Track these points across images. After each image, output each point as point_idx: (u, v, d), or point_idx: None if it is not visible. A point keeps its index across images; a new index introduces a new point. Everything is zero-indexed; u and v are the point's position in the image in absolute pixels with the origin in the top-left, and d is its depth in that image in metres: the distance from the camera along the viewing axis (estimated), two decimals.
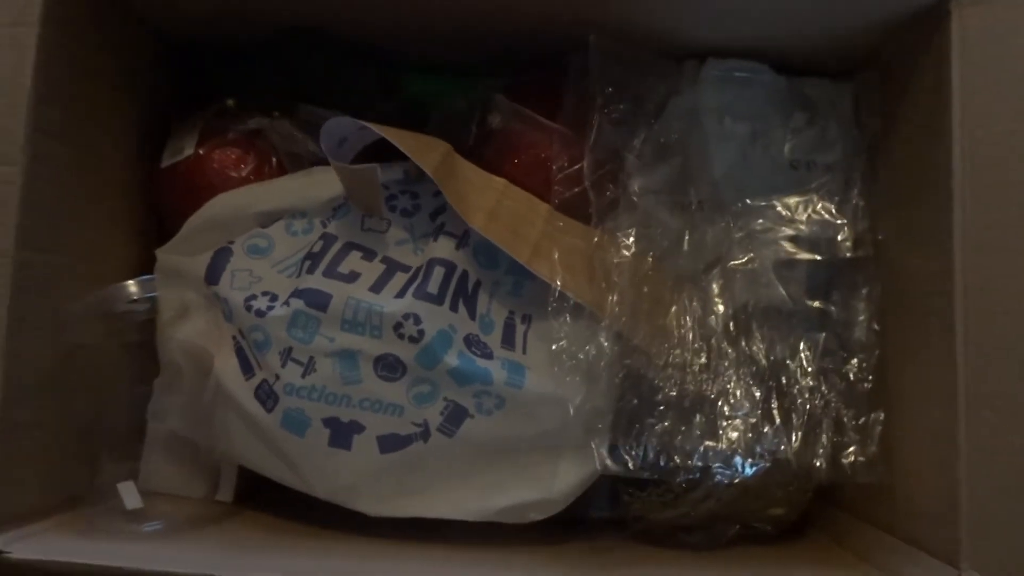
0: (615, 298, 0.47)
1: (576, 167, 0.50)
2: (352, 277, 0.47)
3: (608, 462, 0.46)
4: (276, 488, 0.53)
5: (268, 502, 0.52)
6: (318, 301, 0.46)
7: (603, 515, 0.56)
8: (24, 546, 0.40)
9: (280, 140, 0.53)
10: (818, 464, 0.47)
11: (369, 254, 0.48)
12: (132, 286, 0.46)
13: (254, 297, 0.47)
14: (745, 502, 0.50)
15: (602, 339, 0.47)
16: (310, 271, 0.47)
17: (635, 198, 0.48)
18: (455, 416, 0.46)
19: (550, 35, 0.51)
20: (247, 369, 0.47)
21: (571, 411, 0.46)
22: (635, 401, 0.47)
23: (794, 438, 0.47)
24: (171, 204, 0.53)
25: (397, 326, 0.45)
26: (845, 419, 0.48)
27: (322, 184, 0.51)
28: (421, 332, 0.45)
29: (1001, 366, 0.40)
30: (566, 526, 0.52)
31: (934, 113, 0.43)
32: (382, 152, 0.49)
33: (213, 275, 0.48)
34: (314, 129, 0.53)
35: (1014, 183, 0.40)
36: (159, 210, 0.54)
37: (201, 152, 0.52)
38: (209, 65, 0.57)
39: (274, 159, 0.53)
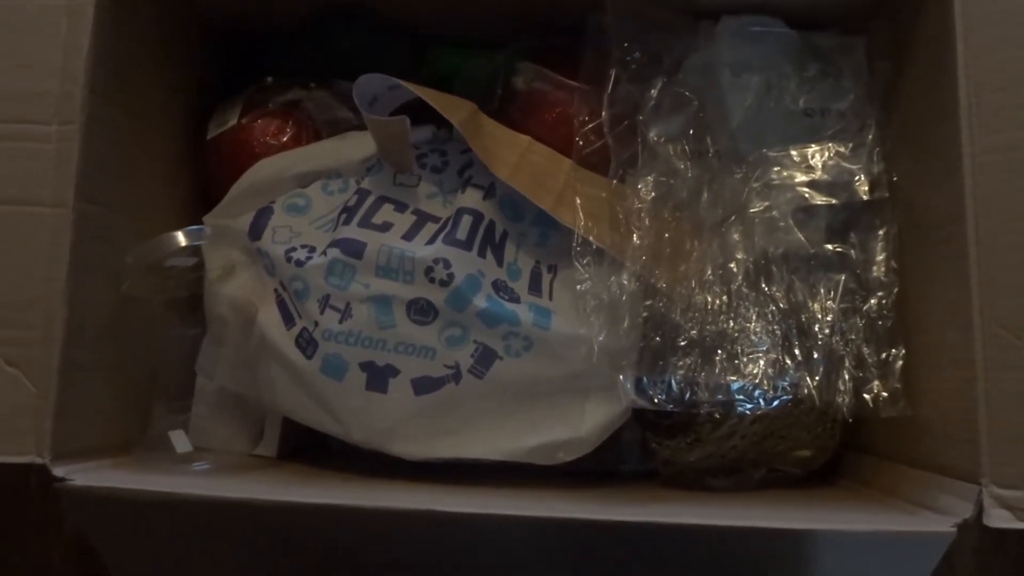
0: (636, 242, 0.49)
1: (597, 122, 0.52)
2: (385, 227, 0.50)
3: (634, 396, 0.47)
4: (316, 447, 0.56)
5: (309, 460, 0.55)
6: (354, 249, 0.48)
7: (633, 468, 0.58)
8: (85, 476, 0.43)
9: (317, 109, 0.56)
10: (840, 400, 0.48)
11: (401, 207, 0.51)
12: (180, 235, 0.49)
13: (294, 249, 0.50)
14: (771, 443, 0.51)
15: (624, 280, 0.48)
16: (346, 223, 0.50)
17: (655, 148, 0.50)
18: (485, 358, 0.48)
19: (570, 2, 0.53)
20: (288, 319, 0.50)
21: (595, 349, 0.48)
22: (658, 339, 0.48)
23: (816, 374, 0.48)
24: (217, 172, 0.56)
25: (428, 270, 0.47)
26: (866, 355, 0.49)
27: (356, 146, 0.54)
28: (451, 276, 0.47)
29: (1013, 284, 0.41)
30: (597, 478, 0.54)
31: (939, 48, 0.44)
32: (412, 119, 0.52)
33: (256, 232, 0.51)
34: (348, 100, 0.57)
35: (1018, 106, 0.41)
36: (205, 179, 0.58)
37: (244, 122, 0.56)
38: (251, 46, 0.61)
39: (311, 127, 0.56)
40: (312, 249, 0.50)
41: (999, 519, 0.40)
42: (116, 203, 0.48)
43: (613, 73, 0.51)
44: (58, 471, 0.42)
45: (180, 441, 0.50)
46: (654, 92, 0.51)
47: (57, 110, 0.44)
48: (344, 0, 0.57)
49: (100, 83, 0.45)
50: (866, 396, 0.48)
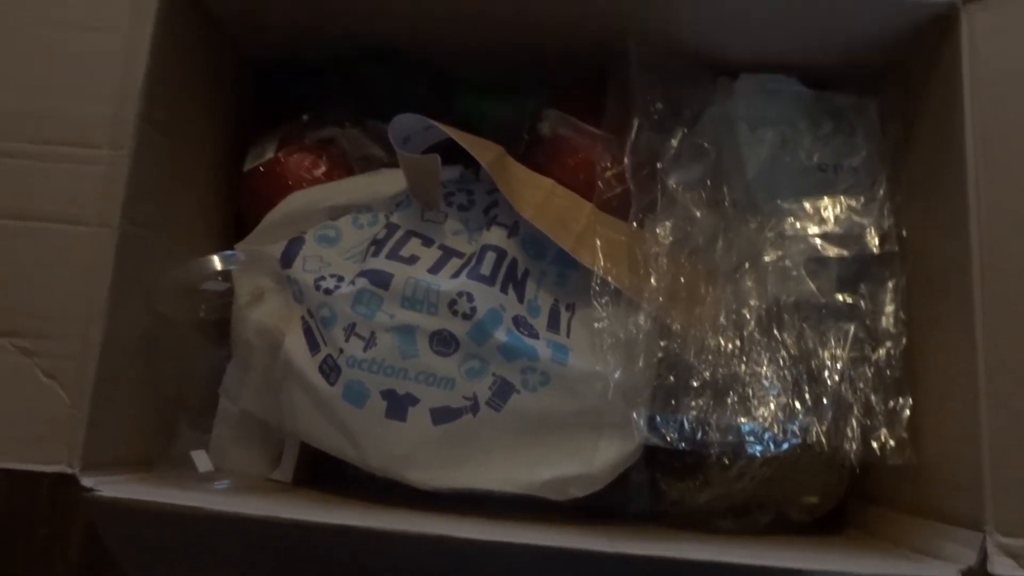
0: (653, 284, 0.51)
1: (619, 168, 0.54)
2: (412, 260, 0.52)
3: (647, 434, 0.49)
4: (330, 477, 0.57)
5: (322, 488, 0.56)
6: (381, 280, 0.50)
7: (642, 509, 0.58)
8: (112, 488, 0.44)
9: (350, 146, 0.59)
10: (848, 447, 0.49)
11: (428, 241, 0.53)
12: (215, 259, 0.51)
13: (323, 278, 0.52)
14: (780, 487, 0.52)
15: (641, 320, 0.50)
16: (375, 254, 0.52)
17: (674, 195, 0.53)
18: (503, 391, 0.50)
19: (593, 52, 0.56)
20: (313, 346, 0.51)
21: (611, 386, 0.49)
22: (672, 379, 0.50)
23: (824, 420, 0.49)
24: (251, 202, 0.59)
25: (452, 303, 0.49)
26: (874, 404, 0.50)
27: (386, 182, 0.56)
28: (473, 309, 0.49)
29: (1017, 335, 0.42)
30: (606, 516, 0.55)
31: (948, 109, 0.47)
32: (441, 159, 0.54)
33: (286, 260, 0.53)
34: (380, 138, 0.59)
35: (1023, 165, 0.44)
36: (240, 208, 0.60)
37: (280, 156, 0.58)
38: (289, 84, 0.63)
39: (344, 163, 0.59)
40: (340, 279, 0.52)
41: (1003, 567, 0.41)
42: (156, 226, 0.50)
43: (636, 122, 0.53)
44: (86, 481, 0.43)
45: (202, 460, 0.52)
46: (674, 142, 0.54)
47: (109, 136, 0.46)
48: (377, 42, 0.60)
49: (150, 112, 0.47)
50: (873, 444, 0.49)
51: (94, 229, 0.46)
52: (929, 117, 0.51)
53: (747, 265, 0.53)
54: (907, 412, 0.50)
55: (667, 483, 0.54)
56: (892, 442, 0.49)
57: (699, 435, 0.49)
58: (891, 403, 0.50)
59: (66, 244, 0.46)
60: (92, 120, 0.46)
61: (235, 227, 0.60)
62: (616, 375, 0.49)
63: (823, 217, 0.54)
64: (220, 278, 0.53)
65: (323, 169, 0.58)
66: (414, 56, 0.61)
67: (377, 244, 0.53)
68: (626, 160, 0.53)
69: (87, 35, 0.47)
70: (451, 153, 0.53)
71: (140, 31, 0.47)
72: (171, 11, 0.48)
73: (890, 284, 0.52)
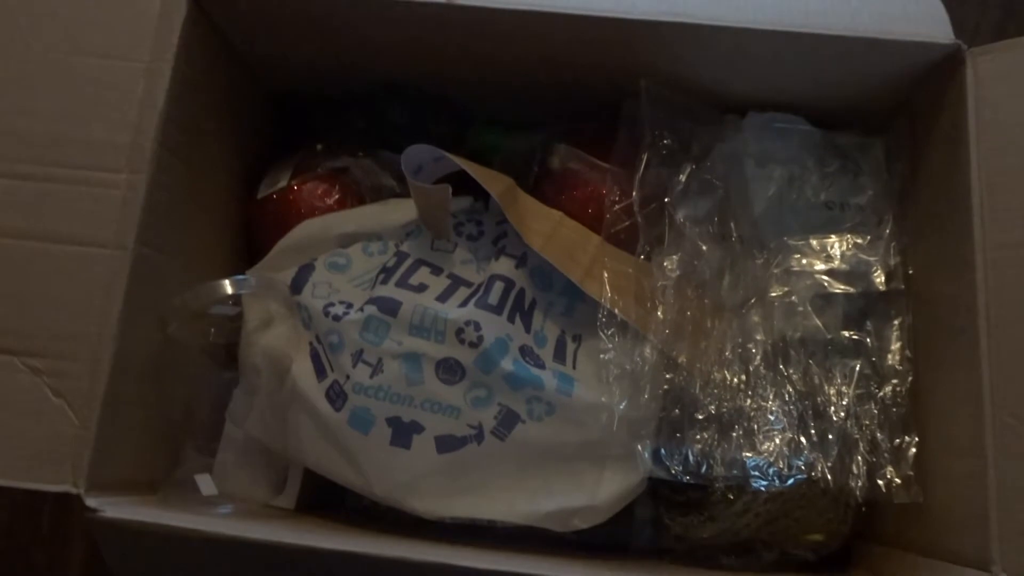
0: (660, 317, 0.51)
1: (627, 202, 0.55)
2: (421, 288, 0.52)
3: (651, 466, 0.49)
4: (332, 506, 0.57)
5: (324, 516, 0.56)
6: (389, 307, 0.50)
7: (645, 544, 0.58)
8: (115, 509, 0.44)
9: (363, 176, 0.59)
10: (853, 484, 0.49)
11: (436, 270, 0.54)
12: (227, 283, 0.51)
13: (332, 304, 0.52)
14: (784, 524, 0.52)
15: (647, 352, 0.50)
16: (384, 282, 0.52)
17: (682, 229, 0.53)
18: (508, 420, 0.50)
19: (603, 89, 0.57)
20: (320, 372, 0.52)
21: (616, 417, 0.49)
22: (677, 412, 0.50)
23: (830, 457, 0.49)
24: (264, 230, 0.59)
25: (459, 331, 0.49)
26: (880, 441, 0.50)
27: (397, 211, 0.57)
28: (480, 338, 0.49)
29: (1023, 374, 0.42)
30: (609, 550, 0.55)
31: (954, 150, 0.47)
32: (452, 189, 0.55)
33: (297, 286, 0.54)
34: (392, 169, 0.60)
35: None
36: (252, 235, 0.61)
37: (294, 185, 0.59)
38: (307, 114, 0.65)
39: (356, 192, 0.59)
40: (349, 305, 0.52)
41: None
42: (170, 249, 0.51)
43: (645, 157, 0.54)
44: (91, 502, 0.43)
45: (206, 484, 0.52)
46: (682, 177, 0.54)
47: (128, 160, 0.47)
48: (393, 78, 0.61)
49: (169, 138, 0.48)
50: (879, 481, 0.49)
51: (109, 251, 0.47)
52: (935, 157, 0.51)
53: (753, 300, 0.54)
54: (913, 450, 0.49)
55: (671, 518, 0.54)
56: (898, 480, 0.49)
57: (704, 468, 0.49)
58: (897, 441, 0.50)
59: (81, 265, 0.46)
60: (112, 145, 0.47)
61: (247, 252, 0.61)
62: (621, 407, 0.49)
63: (830, 254, 0.54)
64: (230, 302, 0.53)
65: (336, 198, 0.59)
66: (429, 92, 0.62)
67: (386, 272, 0.53)
68: (634, 194, 0.54)
69: (110, 63, 0.48)
70: (462, 184, 0.54)
71: (161, 60, 0.49)
72: (192, 42, 0.50)
73: (896, 322, 0.52)
